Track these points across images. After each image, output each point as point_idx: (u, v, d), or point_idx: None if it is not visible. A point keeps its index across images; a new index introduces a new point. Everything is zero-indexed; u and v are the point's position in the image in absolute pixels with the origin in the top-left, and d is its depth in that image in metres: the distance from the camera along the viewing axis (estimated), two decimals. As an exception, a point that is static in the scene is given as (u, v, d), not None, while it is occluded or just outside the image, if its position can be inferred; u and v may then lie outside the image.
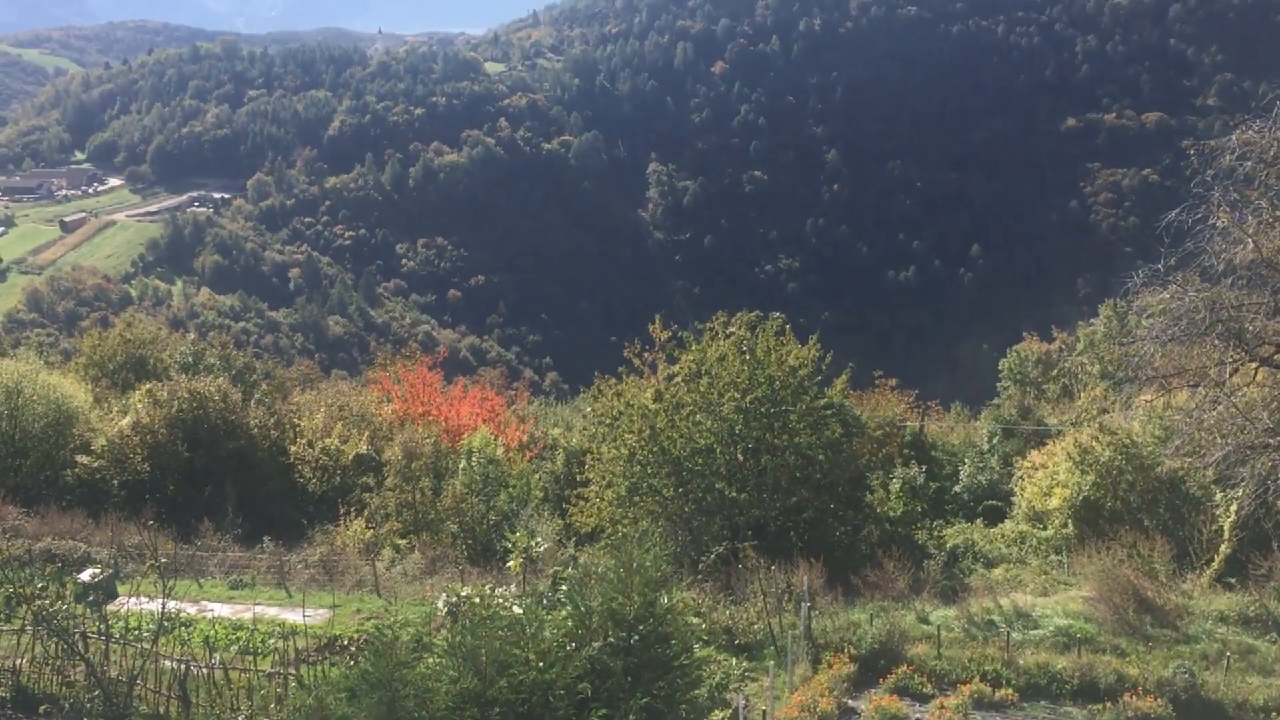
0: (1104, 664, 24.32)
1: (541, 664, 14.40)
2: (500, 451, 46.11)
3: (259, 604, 33.44)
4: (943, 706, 22.95)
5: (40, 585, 21.94)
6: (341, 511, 42.15)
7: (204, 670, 23.09)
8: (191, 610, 31.29)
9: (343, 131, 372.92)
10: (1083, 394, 53.65)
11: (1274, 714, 22.32)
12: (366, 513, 42.80)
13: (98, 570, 31.84)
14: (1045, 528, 38.53)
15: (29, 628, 22.51)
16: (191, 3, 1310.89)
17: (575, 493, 39.34)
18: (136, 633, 24.33)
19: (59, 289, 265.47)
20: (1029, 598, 29.52)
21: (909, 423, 54.53)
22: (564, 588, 24.91)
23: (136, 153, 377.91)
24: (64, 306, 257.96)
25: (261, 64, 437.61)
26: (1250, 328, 22.95)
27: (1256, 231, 22.52)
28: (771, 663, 25.26)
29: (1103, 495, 36.00)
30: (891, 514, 39.90)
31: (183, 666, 22.74)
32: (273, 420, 50.07)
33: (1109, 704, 22.94)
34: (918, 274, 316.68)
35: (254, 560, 38.06)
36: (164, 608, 22.23)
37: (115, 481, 45.41)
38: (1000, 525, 41.73)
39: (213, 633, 29.59)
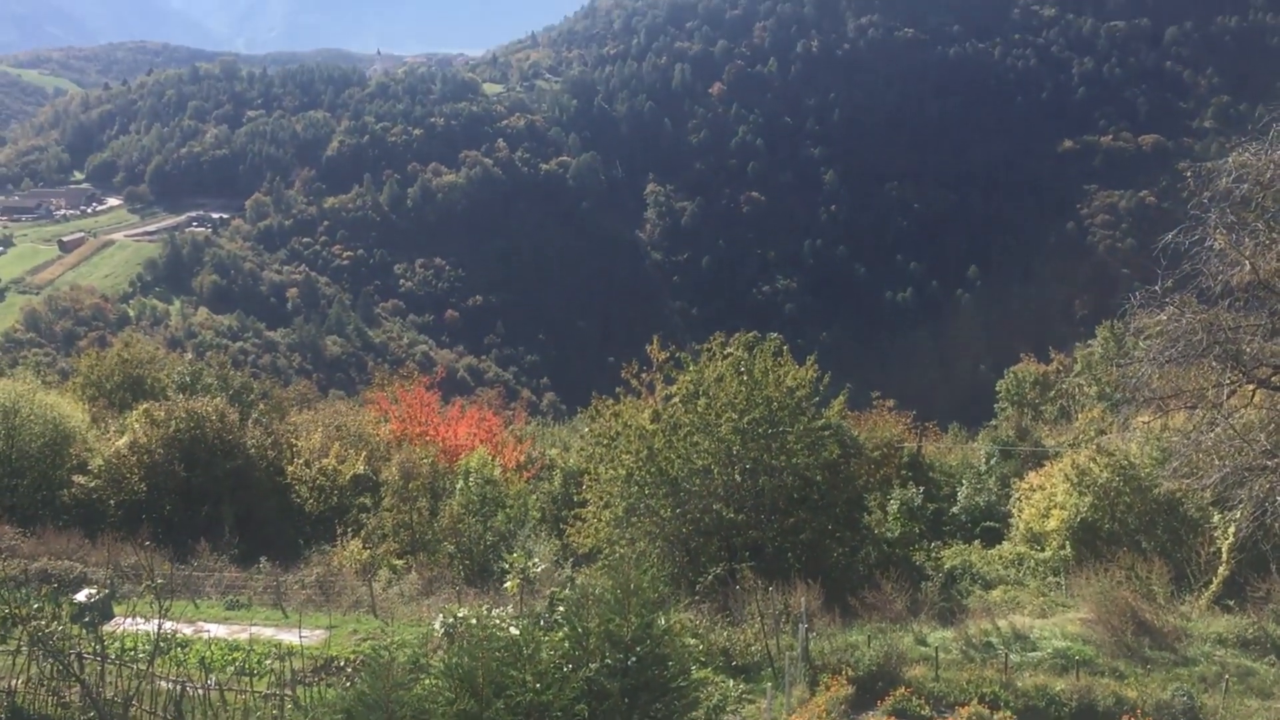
0: (1102, 686, 24.29)
1: (539, 685, 14.39)
2: (498, 472, 46.03)
3: (255, 624, 33.37)
4: (941, 729, 22.92)
5: (36, 606, 21.89)
6: (338, 532, 42.09)
7: (200, 691, 23.04)
8: (187, 631, 31.22)
9: (341, 152, 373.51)
10: (1080, 415, 53.53)
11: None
12: (363, 533, 42.75)
13: (94, 591, 31.82)
14: (1043, 549, 38.48)
15: (24, 648, 22.47)
16: (191, 24, 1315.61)
17: (573, 513, 39.31)
18: (132, 653, 24.30)
19: (57, 308, 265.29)
20: (1027, 620, 29.49)
21: (906, 444, 54.48)
22: (561, 609, 24.86)
23: (135, 173, 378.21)
24: (62, 326, 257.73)
25: (260, 84, 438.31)
26: (1248, 349, 22.96)
27: (1253, 253, 22.55)
28: (769, 684, 25.23)
29: (1100, 517, 35.97)
30: (889, 535, 39.85)
31: (179, 688, 22.70)
32: (270, 440, 50.01)
33: (1107, 726, 22.91)
34: (915, 295, 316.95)
35: (250, 580, 37.99)
36: (160, 628, 22.18)
37: (112, 501, 45.32)
38: (998, 547, 41.65)
39: (209, 653, 29.53)
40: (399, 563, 39.81)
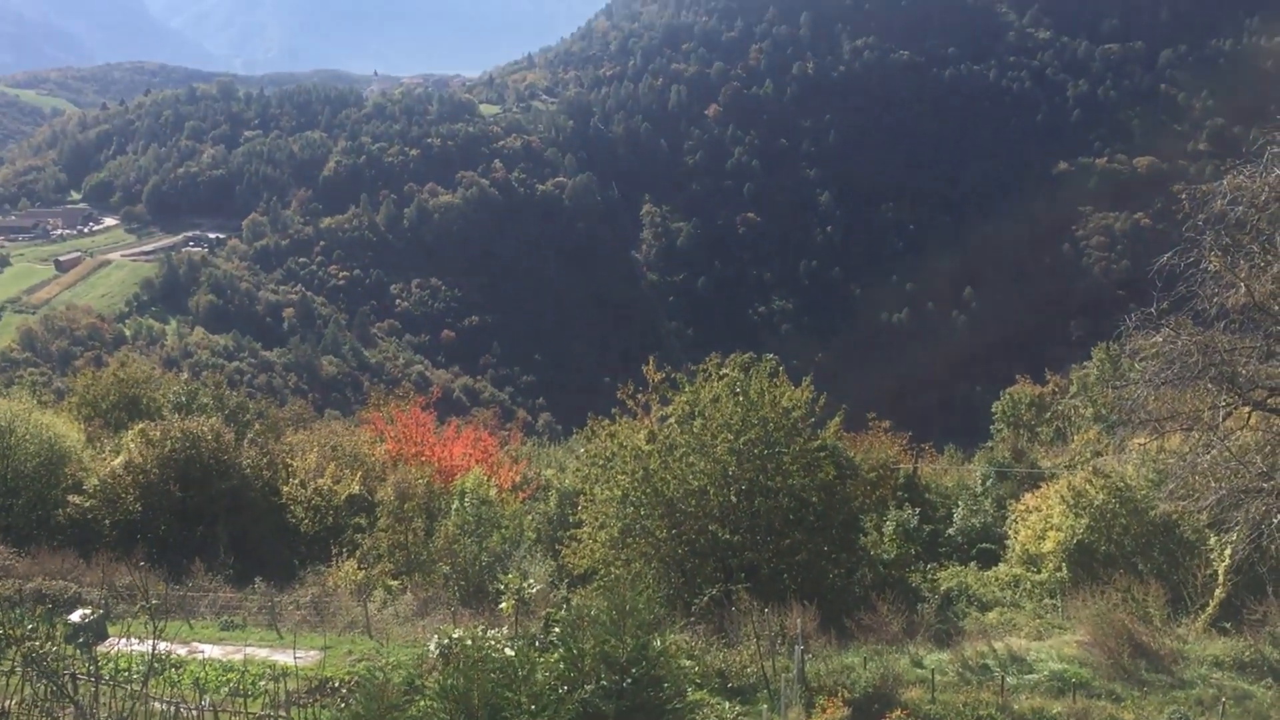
0: (1099, 709, 24.23)
1: (534, 707, 14.35)
2: (493, 492, 45.92)
3: (250, 645, 33.26)
4: (937, 751, 22.85)
5: (30, 626, 21.80)
6: (334, 552, 41.98)
7: (194, 712, 22.95)
8: (182, 651, 31.13)
9: (338, 172, 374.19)
10: (1076, 437, 53.57)
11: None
12: (359, 553, 42.63)
13: (88, 611, 31.71)
14: (1039, 571, 38.41)
15: (18, 669, 22.36)
16: (189, 45, 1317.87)
17: (568, 534, 39.25)
18: (126, 674, 24.20)
19: (53, 328, 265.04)
20: (1023, 642, 29.42)
21: (902, 465, 54.45)
22: (556, 630, 24.80)
23: (132, 192, 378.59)
24: (58, 346, 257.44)
25: (258, 105, 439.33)
26: (1243, 372, 23.00)
27: (1248, 276, 22.60)
28: (764, 706, 25.15)
29: (1097, 539, 35.92)
30: (885, 556, 39.79)
31: (173, 708, 22.61)
32: (265, 460, 49.91)
33: (1104, 749, 22.85)
34: (911, 316, 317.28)
35: (245, 601, 37.88)
36: (154, 649, 22.10)
37: (107, 521, 45.22)
38: (994, 568, 41.57)
39: (203, 674, 29.41)
40: (394, 583, 39.71)
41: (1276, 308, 22.65)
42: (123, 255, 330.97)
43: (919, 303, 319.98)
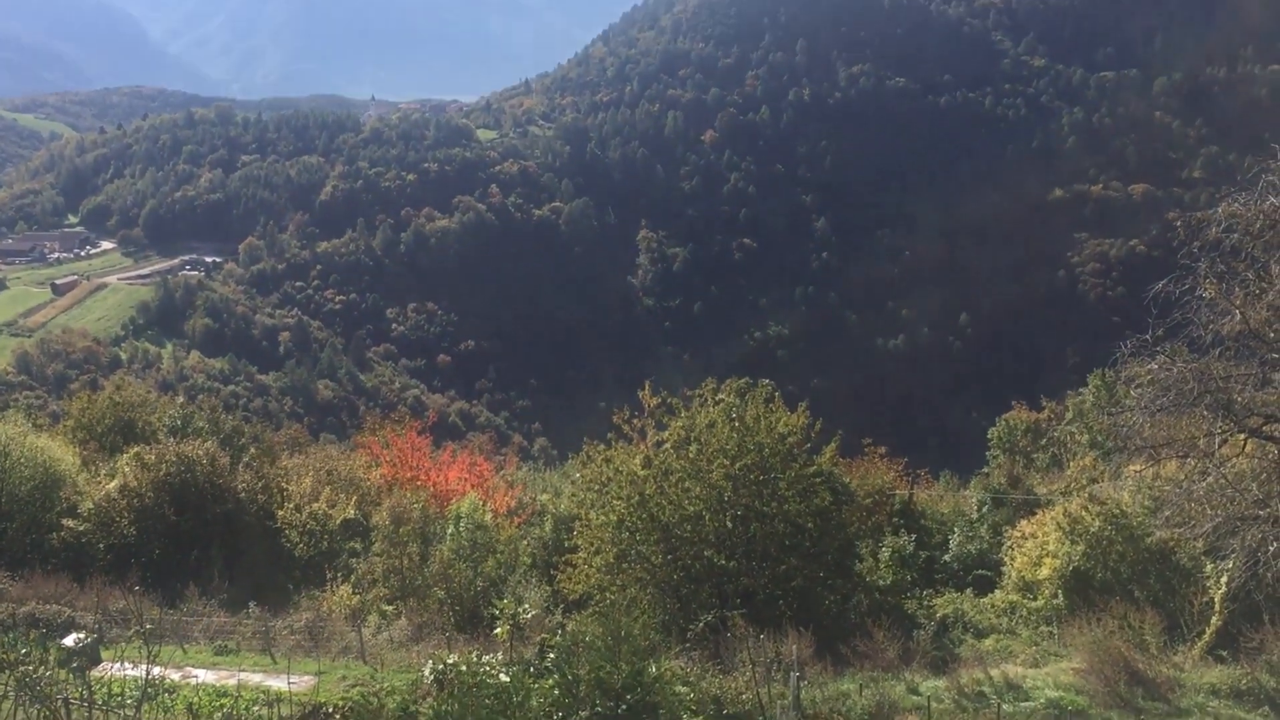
0: (1095, 736, 24.16)
1: (529, 733, 14.30)
2: (488, 517, 45.89)
3: (243, 670, 33.14)
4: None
5: (23, 651, 21.72)
6: (328, 577, 41.88)
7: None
8: (175, 676, 31.01)
9: (335, 196, 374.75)
10: (1072, 463, 53.52)
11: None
12: (353, 578, 42.56)
13: (82, 635, 31.58)
14: (1035, 598, 38.36)
15: (11, 693, 22.28)
16: (188, 70, 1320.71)
17: (563, 559, 39.15)
18: (120, 699, 24.10)
19: (49, 351, 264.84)
20: (1019, 669, 29.37)
21: (898, 491, 54.44)
22: (551, 656, 24.72)
23: (129, 216, 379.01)
24: (53, 369, 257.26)
25: (255, 129, 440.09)
26: (1239, 399, 23.03)
27: (1243, 303, 22.66)
28: (760, 733, 25.05)
29: (1093, 566, 35.90)
30: (881, 583, 39.76)
31: (166, 734, 22.50)
32: (260, 484, 49.86)
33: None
34: (906, 342, 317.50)
35: (239, 626, 37.79)
36: (148, 674, 22.03)
37: (101, 545, 45.16)
38: (990, 595, 41.50)
39: (196, 700, 29.31)
40: (389, 608, 39.62)
41: (1272, 335, 22.69)
42: (119, 279, 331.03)
43: (915, 329, 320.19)
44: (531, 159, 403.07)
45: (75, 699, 22.60)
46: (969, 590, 42.75)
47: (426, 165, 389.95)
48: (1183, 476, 25.70)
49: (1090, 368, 70.74)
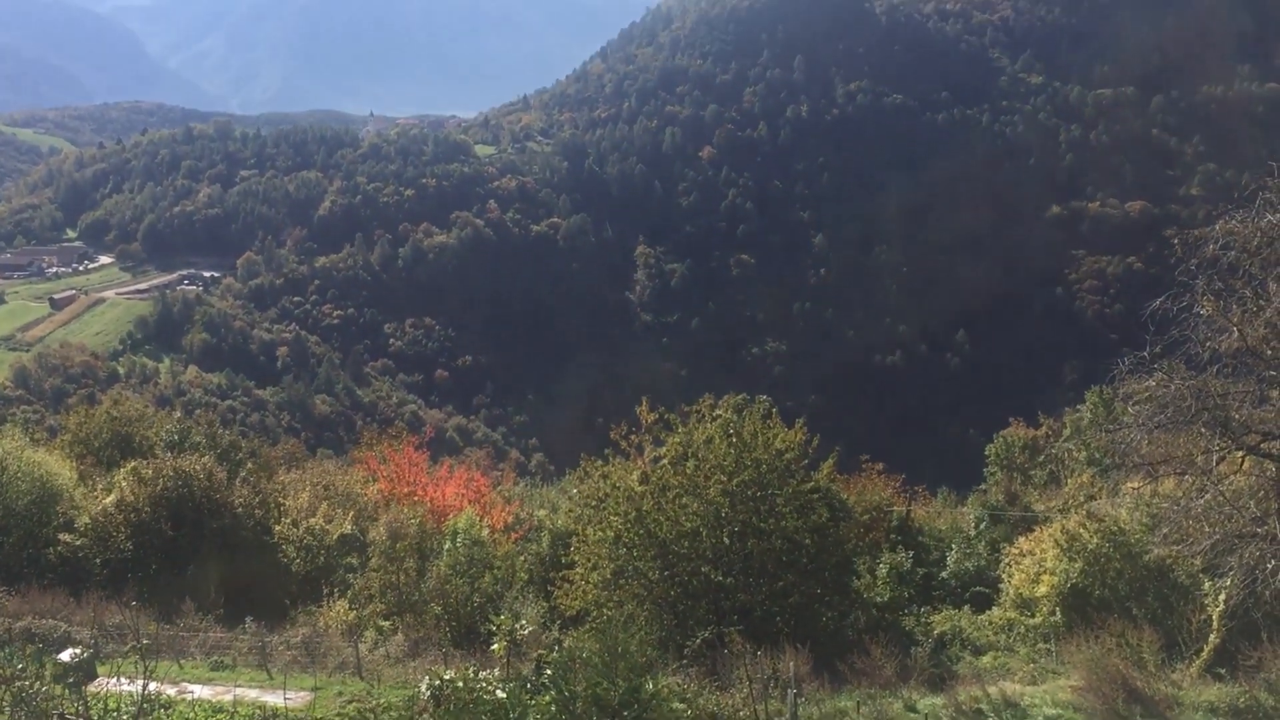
0: (1093, 754, 24.10)
1: (526, 750, 14.26)
2: (485, 533, 45.87)
3: (240, 686, 33.08)
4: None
5: (19, 665, 21.66)
6: (325, 592, 41.82)
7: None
8: (171, 692, 30.94)
9: (333, 212, 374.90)
10: (1070, 480, 53.55)
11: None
12: (350, 593, 42.49)
13: (78, 650, 31.52)
14: (1033, 615, 38.32)
15: (7, 709, 22.20)
16: (187, 85, 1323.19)
17: (560, 575, 39.14)
18: (115, 715, 24.03)
19: (46, 366, 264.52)
20: (1017, 686, 29.31)
21: (895, 508, 54.43)
22: (548, 672, 24.65)
23: (128, 231, 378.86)
24: (51, 383, 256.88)
25: (254, 145, 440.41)
26: (1236, 416, 23.06)
27: (1241, 320, 22.69)
28: (758, 750, 24.99)
29: (1091, 583, 35.88)
30: (879, 599, 39.75)
31: (161, 750, 22.42)
32: (257, 499, 49.76)
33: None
34: (904, 358, 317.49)
35: (236, 641, 37.72)
36: (144, 689, 21.97)
37: (98, 560, 45.05)
38: (988, 612, 41.48)
39: (192, 715, 29.27)
40: (385, 624, 39.57)
41: (1269, 352, 22.72)
42: (117, 293, 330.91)
43: (912, 345, 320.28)
44: (530, 175, 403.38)
45: (71, 715, 22.53)
46: (967, 607, 42.72)
47: (425, 181, 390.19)
48: (1180, 494, 25.71)
49: (1088, 384, 70.88)
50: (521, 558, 46.53)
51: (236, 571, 46.25)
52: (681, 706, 25.31)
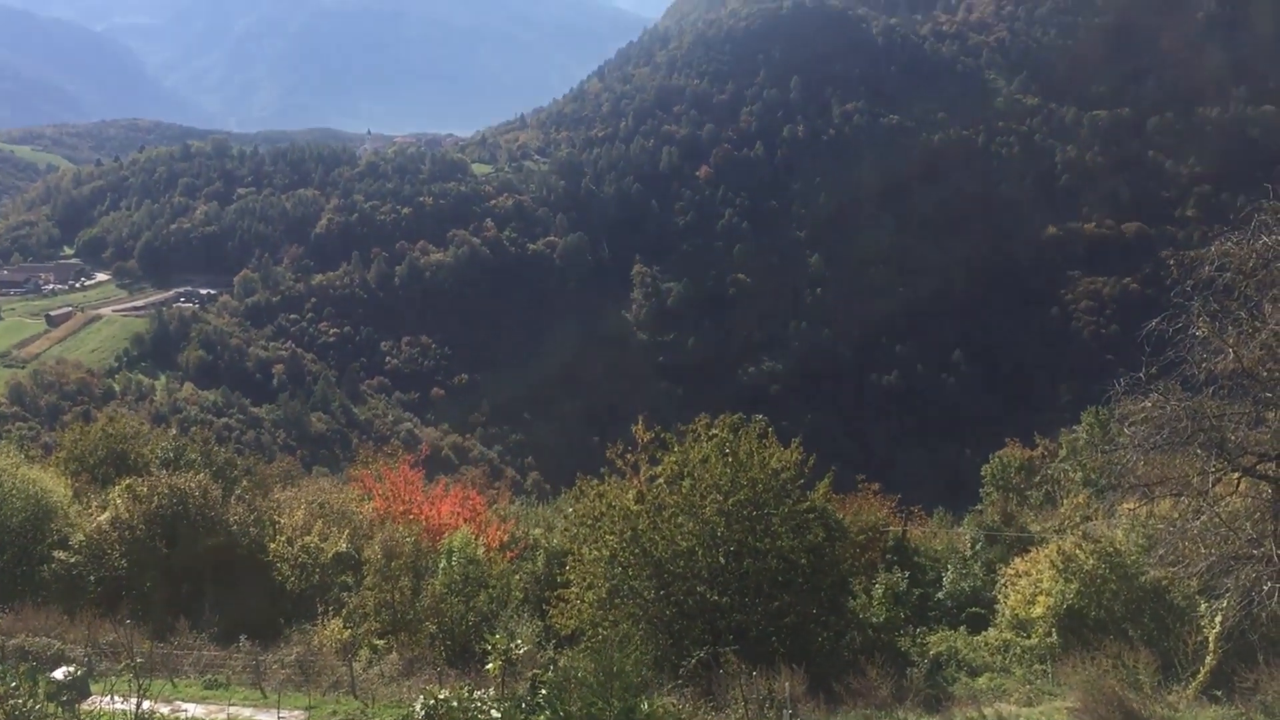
0: (1089, 776, 24.04)
1: (520, 770, 14.21)
2: (481, 551, 45.76)
3: (233, 704, 32.98)
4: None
5: (13, 684, 21.59)
6: (319, 610, 41.71)
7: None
8: (165, 710, 30.79)
9: (330, 229, 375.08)
10: (1066, 501, 53.54)
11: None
12: (345, 612, 42.37)
13: (71, 669, 31.41)
14: (1029, 636, 38.29)
15: (-1, 727, 22.13)
16: (185, 103, 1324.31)
17: (556, 594, 39.08)
18: (108, 733, 23.96)
19: (42, 383, 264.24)
20: (1013, 708, 29.27)
21: (891, 528, 54.40)
22: (543, 692, 24.60)
23: (125, 248, 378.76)
24: (46, 400, 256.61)
25: (251, 162, 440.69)
26: (1232, 437, 23.08)
27: (1236, 342, 22.73)
28: (753, 771, 24.91)
29: (1087, 604, 35.85)
30: (874, 620, 39.68)
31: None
32: (252, 517, 49.65)
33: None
34: (900, 378, 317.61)
35: (230, 659, 37.58)
36: (138, 708, 21.90)
37: (92, 577, 44.92)
38: (984, 633, 41.43)
39: (185, 734, 29.14)
40: (380, 643, 39.46)
41: (1264, 374, 22.75)
42: (114, 310, 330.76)
43: (908, 365, 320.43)
44: (526, 193, 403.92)
45: (64, 733, 22.45)
46: (962, 628, 42.67)
47: (422, 199, 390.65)
48: (1177, 515, 25.71)
49: (1084, 405, 70.86)
50: (517, 576, 46.43)
51: (231, 589, 46.13)
52: (676, 727, 25.24)
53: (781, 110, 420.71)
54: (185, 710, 32.17)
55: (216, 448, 70.63)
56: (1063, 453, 69.39)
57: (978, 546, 51.60)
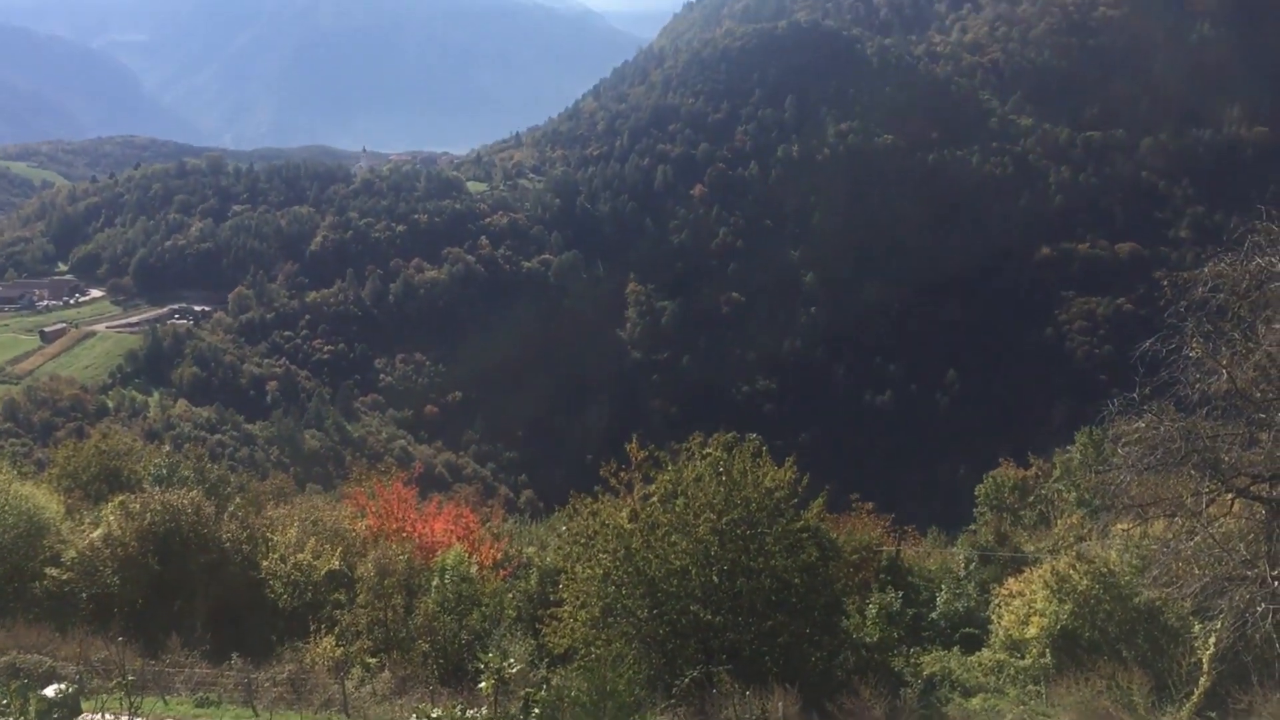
0: (1083, 797, 23.99)
1: (513, 790, 14.17)
2: (474, 569, 45.71)
3: (225, 723, 32.87)
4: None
5: (3, 701, 21.51)
6: (312, 628, 41.61)
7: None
8: (156, 729, 30.70)
9: (325, 247, 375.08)
10: (1059, 521, 53.54)
11: None
12: (337, 630, 42.28)
13: (63, 686, 31.28)
14: (1023, 657, 38.25)
15: (-11, 745, 22.04)
16: (180, 121, 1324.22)
17: (549, 612, 39.01)
18: (99, 751, 23.87)
19: (35, 399, 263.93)
20: (1007, 728, 29.21)
21: (885, 547, 54.36)
22: (536, 711, 24.54)
23: (119, 265, 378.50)
24: (40, 416, 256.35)
25: (246, 180, 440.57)
26: (1226, 458, 23.10)
27: (1230, 363, 22.78)
28: (746, 791, 24.85)
29: (1081, 625, 35.84)
30: (868, 640, 39.62)
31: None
32: (245, 534, 49.59)
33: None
34: (894, 398, 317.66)
35: (221, 677, 37.47)
36: (128, 726, 21.83)
37: (84, 594, 44.81)
38: (977, 653, 41.39)
39: (176, 752, 29.03)
40: (372, 661, 39.35)
41: (1258, 394, 22.79)
42: (108, 327, 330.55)
43: (902, 385, 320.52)
44: (521, 211, 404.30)
45: (54, 751, 22.36)
46: (956, 648, 42.65)
47: (417, 216, 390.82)
48: (1170, 536, 25.71)
49: (1078, 425, 70.82)
50: (510, 595, 46.36)
51: (223, 607, 46.03)
52: (669, 746, 25.19)
53: (776, 129, 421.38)
54: (176, 728, 32.07)
55: (210, 465, 70.61)
56: (1057, 473, 69.37)
57: (971, 566, 51.59)
